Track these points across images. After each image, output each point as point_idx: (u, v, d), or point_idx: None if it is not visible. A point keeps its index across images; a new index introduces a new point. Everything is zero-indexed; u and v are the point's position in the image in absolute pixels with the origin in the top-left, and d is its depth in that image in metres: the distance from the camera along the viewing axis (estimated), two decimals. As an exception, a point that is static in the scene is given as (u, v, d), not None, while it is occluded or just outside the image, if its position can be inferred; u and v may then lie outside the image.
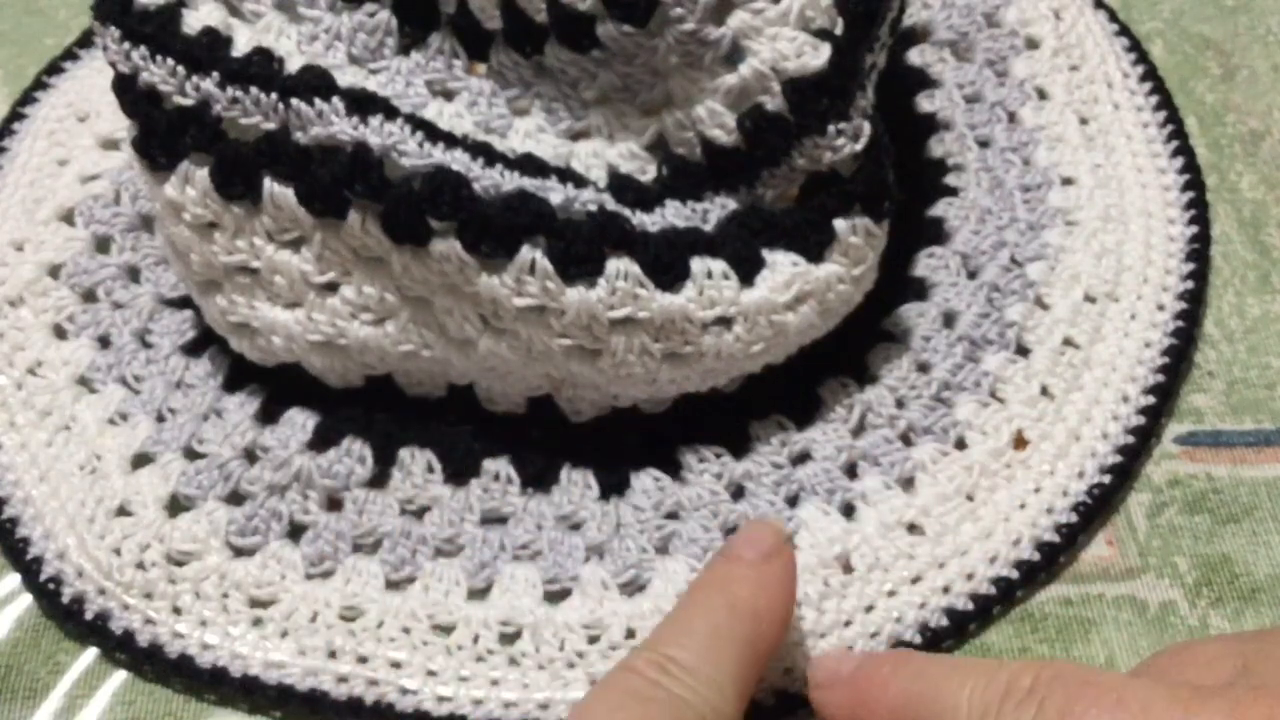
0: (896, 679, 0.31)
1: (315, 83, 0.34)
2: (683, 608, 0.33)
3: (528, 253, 0.33)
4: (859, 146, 0.35)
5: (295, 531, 0.38)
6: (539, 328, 0.35)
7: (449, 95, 0.37)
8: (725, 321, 0.35)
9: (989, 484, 0.38)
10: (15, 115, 0.48)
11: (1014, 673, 0.29)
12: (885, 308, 0.41)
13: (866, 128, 0.35)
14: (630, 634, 0.36)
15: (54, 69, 0.49)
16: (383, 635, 0.36)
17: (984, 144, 0.45)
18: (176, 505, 0.39)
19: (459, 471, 0.39)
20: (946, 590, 0.37)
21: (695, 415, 0.39)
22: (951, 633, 0.37)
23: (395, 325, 0.36)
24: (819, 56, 0.34)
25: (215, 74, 0.34)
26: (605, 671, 0.35)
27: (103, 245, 0.44)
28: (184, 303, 0.42)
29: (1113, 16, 0.49)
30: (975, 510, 0.38)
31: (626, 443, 0.39)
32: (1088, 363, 0.41)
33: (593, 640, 0.36)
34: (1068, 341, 0.41)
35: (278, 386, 0.40)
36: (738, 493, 0.38)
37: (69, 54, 0.49)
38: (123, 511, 0.38)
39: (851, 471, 0.39)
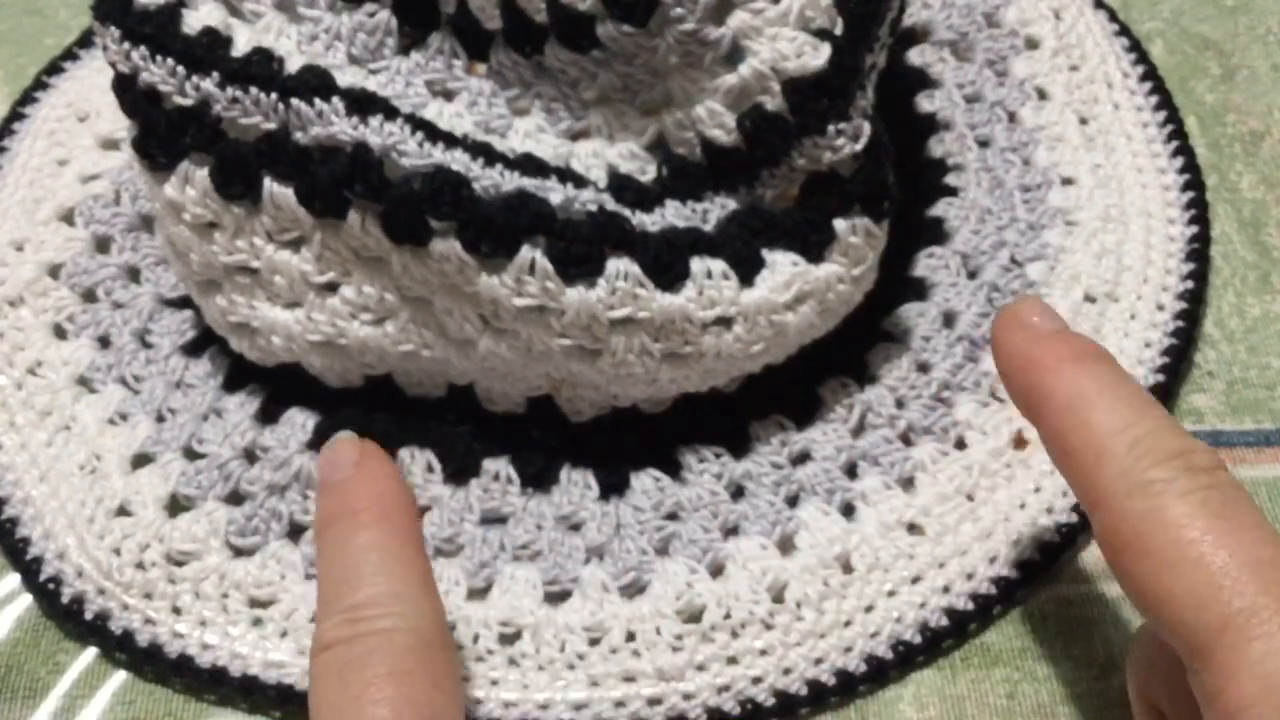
0: (1091, 367, 0.30)
1: (315, 83, 0.34)
2: (321, 560, 0.32)
3: (528, 253, 0.33)
4: (859, 146, 0.35)
5: (295, 531, 0.38)
6: (539, 328, 0.35)
7: (449, 95, 0.37)
8: (725, 321, 0.35)
9: (989, 484, 0.38)
10: (15, 115, 0.47)
11: (1198, 446, 0.29)
12: (885, 308, 0.41)
13: (866, 128, 0.35)
14: (630, 636, 0.36)
15: (54, 69, 0.49)
16: (383, 635, 0.36)
17: (984, 144, 0.45)
18: (176, 505, 0.39)
19: (459, 471, 0.39)
20: (947, 590, 0.37)
21: (695, 415, 0.39)
22: (952, 632, 0.37)
23: (395, 325, 0.36)
24: (819, 56, 0.34)
25: (215, 74, 0.34)
26: (605, 673, 0.35)
27: (103, 245, 0.44)
28: (184, 303, 0.42)
29: (1113, 16, 0.49)
30: (975, 510, 0.38)
31: (626, 443, 0.39)
32: (1088, 363, 0.41)
33: (593, 642, 0.36)
34: (1068, 341, 0.41)
35: (278, 386, 0.40)
36: (738, 493, 0.38)
37: (69, 54, 0.49)
38: (123, 511, 0.38)
39: (851, 471, 0.39)
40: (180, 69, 0.34)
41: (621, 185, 0.36)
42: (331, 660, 0.30)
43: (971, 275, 0.42)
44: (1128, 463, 0.28)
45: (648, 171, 0.36)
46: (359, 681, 0.29)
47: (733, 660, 0.36)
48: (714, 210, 0.36)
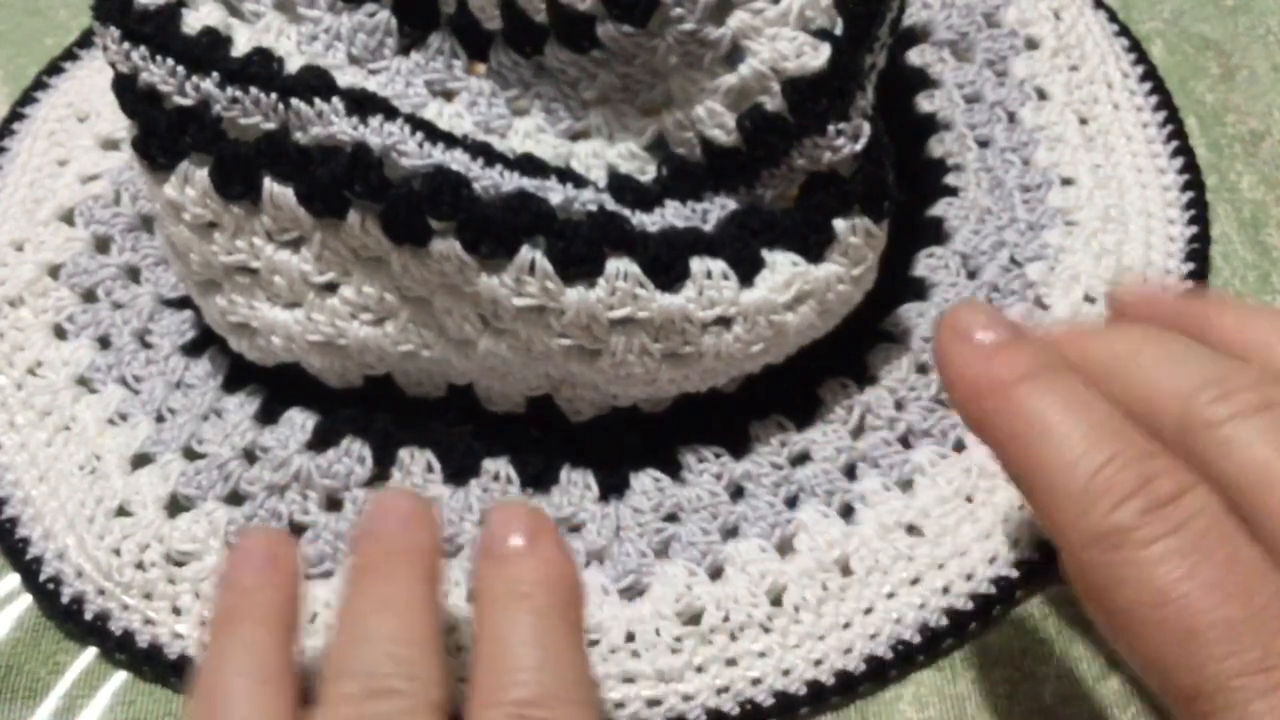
0: (1034, 385, 0.28)
1: (315, 83, 0.34)
2: (489, 639, 0.30)
3: (527, 253, 0.33)
4: (859, 147, 0.35)
5: (295, 531, 0.38)
6: (539, 328, 0.35)
7: (449, 95, 0.37)
8: (725, 321, 0.35)
9: (988, 485, 0.38)
10: (15, 115, 0.48)
11: (1164, 468, 0.26)
12: (885, 308, 0.41)
13: (866, 128, 0.35)
14: (630, 637, 0.36)
15: (54, 69, 0.49)
16: (382, 635, 0.36)
17: (984, 144, 0.45)
18: (176, 505, 0.39)
19: (459, 471, 0.39)
20: (946, 591, 0.37)
21: (695, 415, 0.39)
22: (951, 633, 0.37)
23: (395, 325, 0.36)
24: (819, 57, 0.34)
25: (215, 74, 0.34)
26: (604, 674, 0.35)
27: (103, 245, 0.44)
28: (184, 303, 0.42)
29: (1113, 16, 0.48)
30: (974, 511, 0.38)
31: (626, 443, 0.39)
32: (1087, 363, 0.41)
33: (593, 644, 0.36)
34: (1068, 342, 0.41)
35: (278, 386, 0.40)
36: (737, 493, 0.38)
37: (69, 54, 0.49)
38: (122, 511, 0.38)
39: (851, 473, 0.39)
40: (180, 69, 0.34)
41: (621, 185, 0.36)
42: None
43: (971, 275, 0.42)
44: (1085, 504, 0.26)
45: (648, 171, 0.36)
46: None
47: (732, 662, 0.36)
48: (714, 210, 0.36)
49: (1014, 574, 0.37)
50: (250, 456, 0.39)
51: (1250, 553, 0.26)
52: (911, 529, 0.38)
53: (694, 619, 0.36)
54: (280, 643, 0.31)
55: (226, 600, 0.32)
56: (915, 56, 0.46)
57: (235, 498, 0.39)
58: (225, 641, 0.31)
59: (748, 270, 0.35)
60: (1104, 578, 0.26)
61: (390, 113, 0.33)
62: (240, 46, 0.35)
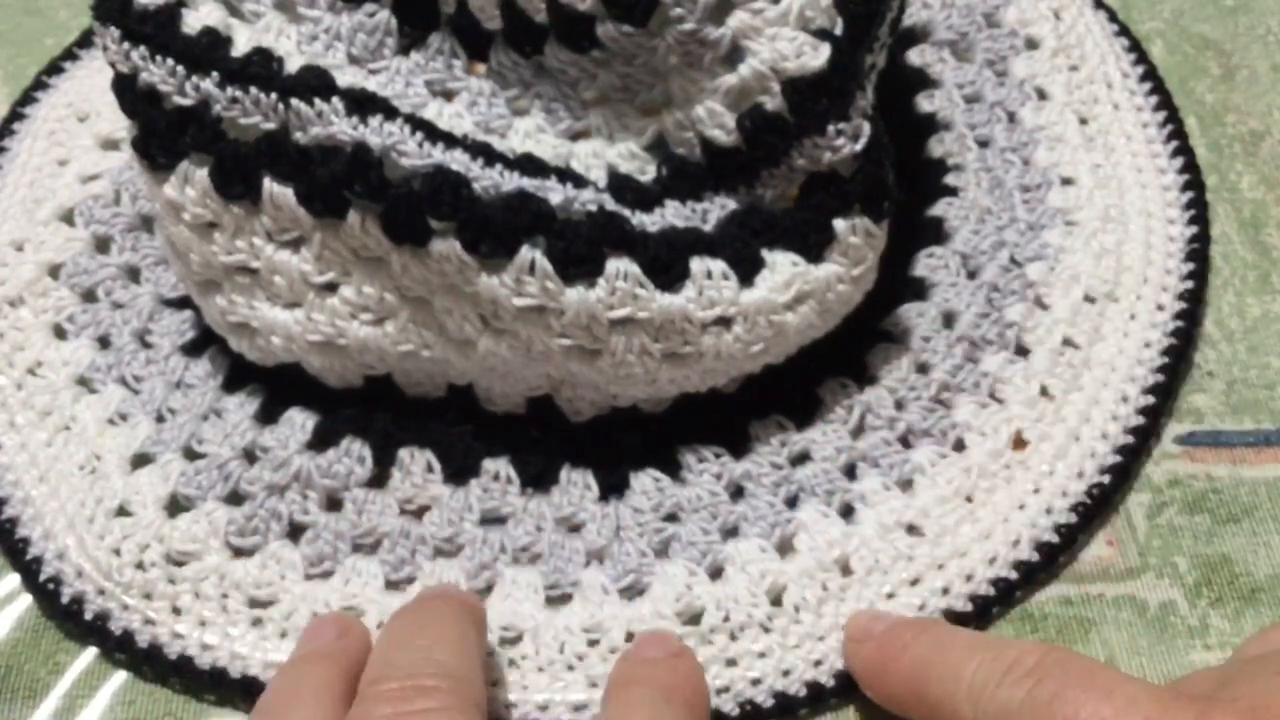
0: (916, 644, 0.33)
1: (315, 83, 0.34)
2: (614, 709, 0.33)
3: (527, 253, 0.33)
4: (859, 146, 0.35)
5: (295, 532, 0.38)
6: (539, 328, 0.35)
7: (449, 95, 0.37)
8: (725, 321, 0.35)
9: (988, 485, 0.38)
10: (15, 115, 0.48)
11: (1022, 651, 0.31)
12: (885, 308, 0.41)
13: (866, 128, 0.35)
14: (630, 638, 0.36)
15: (54, 69, 0.49)
16: (382, 635, 0.36)
17: (984, 144, 0.45)
18: (176, 505, 0.39)
19: (459, 471, 0.39)
20: (946, 591, 0.37)
21: (695, 415, 0.39)
22: (951, 633, 0.37)
23: (395, 325, 0.36)
24: (819, 57, 0.34)
25: (215, 74, 0.34)
26: (604, 674, 0.35)
27: (103, 245, 0.44)
28: (184, 303, 0.42)
29: (1113, 16, 0.49)
30: (974, 511, 0.38)
31: (626, 443, 0.39)
32: (1087, 363, 0.41)
33: (592, 643, 0.36)
34: (1067, 342, 0.41)
35: (278, 386, 0.40)
36: (737, 493, 0.38)
37: (69, 54, 0.49)
38: (122, 511, 0.38)
39: (851, 473, 0.39)
40: (180, 69, 0.34)
41: (621, 185, 0.36)
42: None
43: (971, 275, 0.42)
44: (971, 709, 0.31)
45: (648, 171, 0.36)
46: None
47: (731, 662, 0.36)
48: (714, 210, 0.36)
49: (1013, 575, 0.37)
50: (250, 456, 0.39)
51: (1096, 661, 0.31)
52: (911, 529, 0.38)
53: (694, 619, 0.36)
54: (345, 679, 0.33)
55: (302, 648, 0.35)
56: (915, 56, 0.46)
57: (235, 498, 0.39)
58: (296, 670, 0.34)
59: (748, 270, 0.35)
60: None
61: (390, 113, 0.33)
62: (240, 46, 0.35)
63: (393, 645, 0.33)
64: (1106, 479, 0.39)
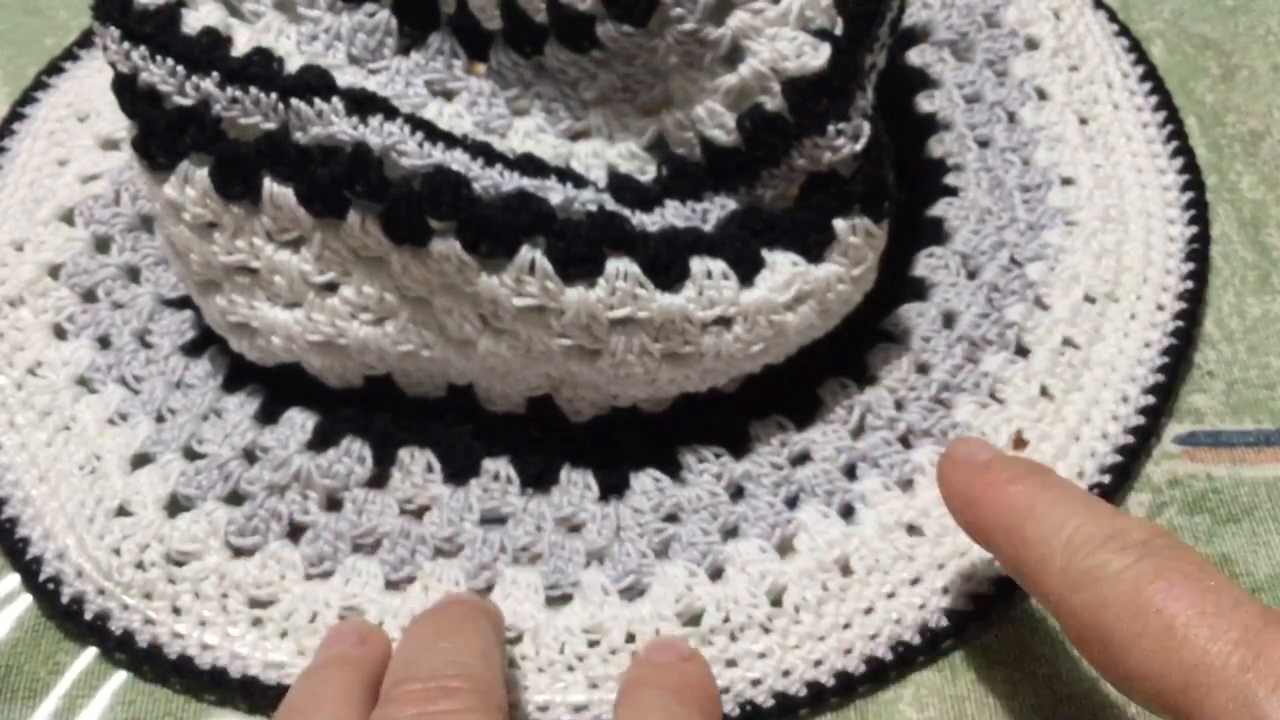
0: (1026, 480, 0.32)
1: (315, 83, 0.34)
2: (625, 709, 0.33)
3: (527, 253, 0.33)
4: (859, 147, 0.35)
5: (295, 531, 0.38)
6: (539, 328, 0.35)
7: (449, 95, 0.37)
8: (725, 321, 0.35)
9: (989, 484, 0.38)
10: (15, 115, 0.48)
11: (1132, 524, 0.30)
12: (885, 308, 0.41)
13: (866, 128, 0.35)
14: (630, 638, 0.36)
15: (54, 69, 0.49)
16: (382, 635, 0.36)
17: (984, 144, 0.45)
18: (176, 505, 0.39)
19: (459, 471, 0.39)
20: (946, 591, 0.37)
21: (695, 415, 0.39)
22: (952, 633, 0.37)
23: (395, 325, 0.36)
24: (819, 57, 0.34)
25: (215, 74, 0.34)
26: (604, 674, 0.35)
27: (103, 245, 0.44)
28: (184, 303, 0.42)
29: (1113, 16, 0.49)
30: (975, 511, 0.38)
31: (626, 443, 0.39)
32: (1087, 363, 0.41)
33: (592, 644, 0.36)
34: (1067, 342, 0.41)
35: (278, 386, 0.40)
36: (737, 493, 0.38)
37: (69, 54, 0.49)
38: (122, 511, 0.38)
39: (851, 473, 0.39)
40: (180, 69, 0.34)
41: (621, 185, 0.36)
42: None
43: (971, 275, 0.42)
44: (1064, 561, 0.30)
45: (648, 171, 0.36)
46: None
47: (732, 663, 0.36)
48: (714, 210, 0.36)
49: (1014, 574, 0.37)
50: (250, 456, 0.39)
51: (1206, 560, 0.29)
52: (911, 529, 0.38)
53: (694, 619, 0.36)
54: (366, 684, 0.33)
55: (322, 654, 0.35)
56: (915, 56, 0.46)
57: (235, 498, 0.39)
58: (318, 674, 0.34)
59: (748, 270, 0.35)
60: (1089, 613, 0.29)
61: (390, 113, 0.33)
62: (240, 46, 0.35)
63: (416, 648, 0.33)
64: (1106, 479, 0.39)
